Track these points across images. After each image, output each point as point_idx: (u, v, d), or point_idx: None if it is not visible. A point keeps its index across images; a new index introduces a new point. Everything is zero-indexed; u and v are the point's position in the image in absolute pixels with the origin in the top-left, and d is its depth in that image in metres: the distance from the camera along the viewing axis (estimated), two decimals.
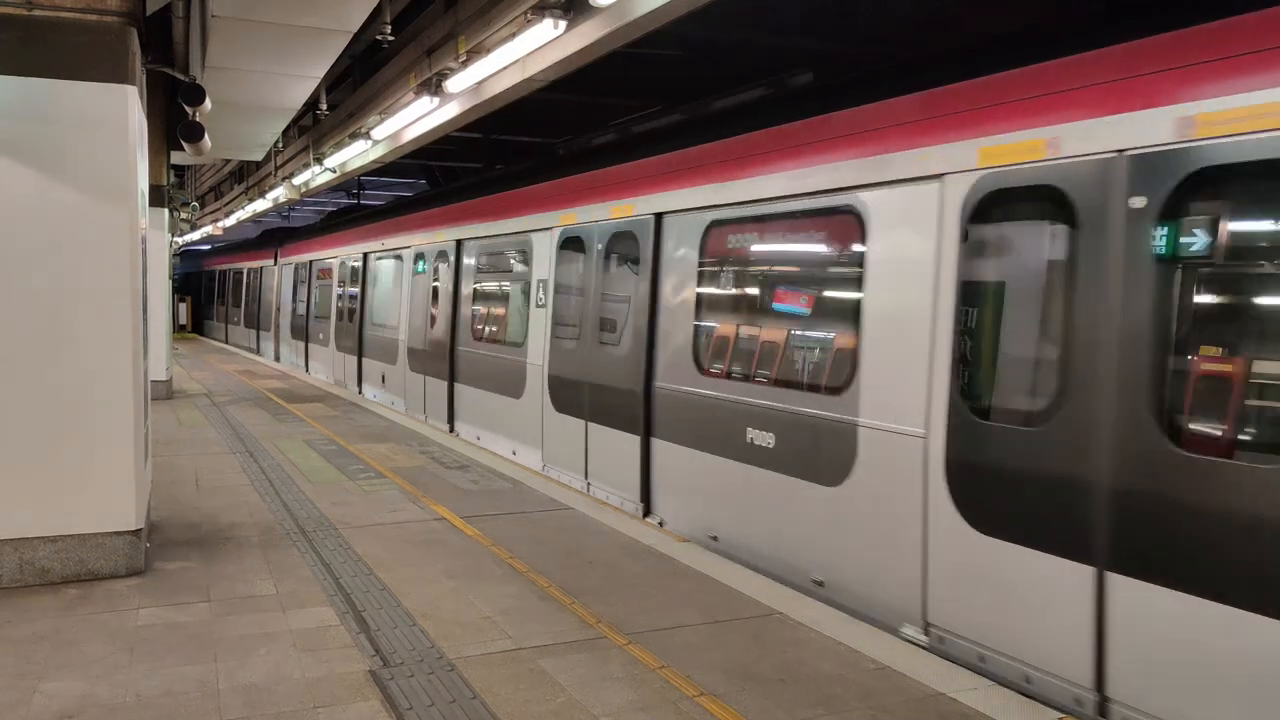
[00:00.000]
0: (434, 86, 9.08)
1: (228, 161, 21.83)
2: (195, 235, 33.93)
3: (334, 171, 15.58)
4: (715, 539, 7.09)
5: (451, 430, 12.47)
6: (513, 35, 7.21)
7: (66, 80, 5.53)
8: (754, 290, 7.10)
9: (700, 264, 7.42)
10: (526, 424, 10.27)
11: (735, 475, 6.82)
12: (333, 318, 19.08)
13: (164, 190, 14.16)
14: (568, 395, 9.33)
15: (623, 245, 8.50)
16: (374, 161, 14.36)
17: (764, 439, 6.49)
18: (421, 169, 21.53)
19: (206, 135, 10.67)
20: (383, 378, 15.77)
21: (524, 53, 7.55)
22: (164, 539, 6.68)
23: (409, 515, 7.51)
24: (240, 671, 4.46)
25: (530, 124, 15.44)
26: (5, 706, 4.06)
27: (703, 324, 7.42)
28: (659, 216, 7.88)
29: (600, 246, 8.84)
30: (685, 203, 7.54)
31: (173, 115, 12.44)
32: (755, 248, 6.94)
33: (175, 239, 20.64)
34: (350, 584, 5.78)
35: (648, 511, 7.97)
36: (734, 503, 6.87)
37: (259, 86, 10.49)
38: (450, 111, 10.17)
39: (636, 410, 8.03)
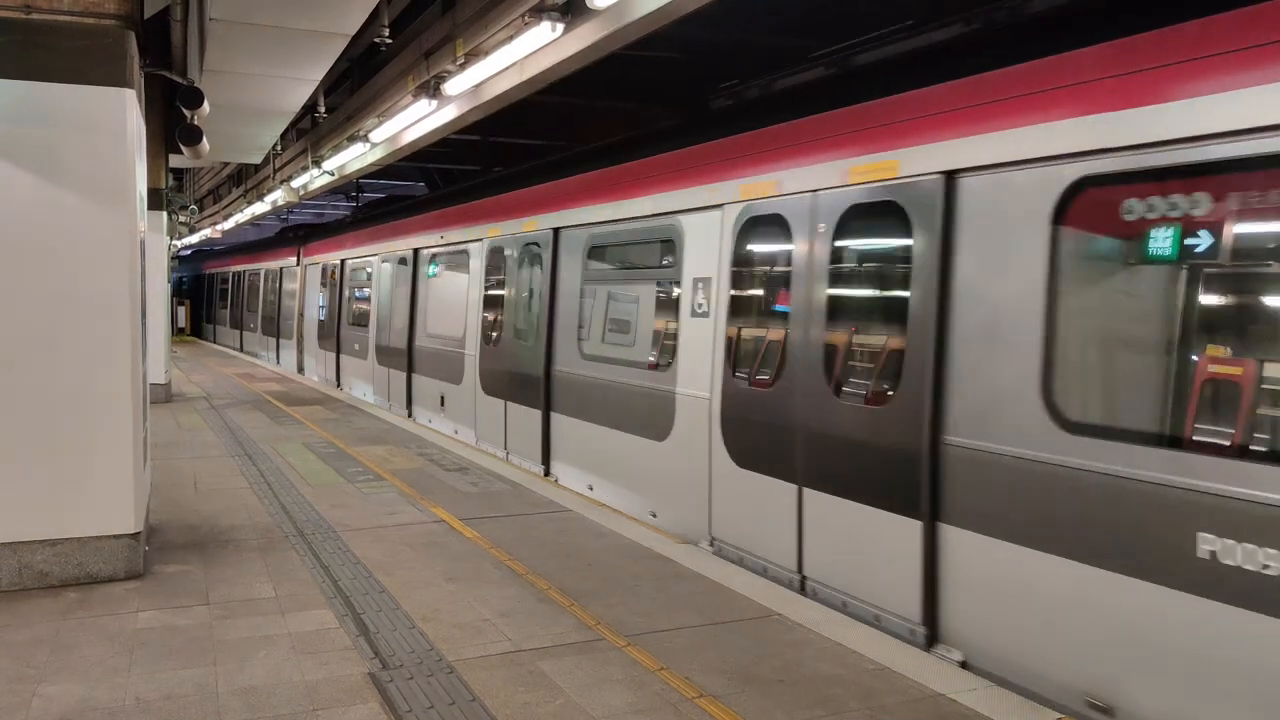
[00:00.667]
0: (432, 89, 9.10)
1: (226, 165, 21.87)
2: (194, 239, 33.95)
3: (332, 174, 15.61)
4: (1105, 710, 4.33)
5: (546, 474, 9.76)
6: (510, 38, 7.24)
7: (64, 84, 5.53)
8: (1201, 294, 4.16)
9: (1055, 248, 4.55)
10: (678, 478, 7.50)
11: (1168, 612, 4.00)
12: (373, 326, 16.13)
13: (162, 193, 14.17)
14: (761, 445, 6.50)
15: (870, 226, 5.78)
16: (372, 164, 14.39)
17: (1246, 557, 3.67)
18: (419, 171, 21.59)
19: (205, 138, 10.68)
20: (441, 400, 13.00)
21: (522, 55, 7.57)
22: (163, 542, 6.68)
23: (408, 518, 7.51)
24: (239, 674, 4.46)
25: (529, 127, 15.46)
26: (5, 710, 4.06)
27: (1077, 347, 4.56)
28: (951, 176, 5.07)
29: (824, 227, 6.01)
30: (1037, 146, 4.63)
31: (171, 118, 12.46)
32: (1176, 219, 4.06)
33: (174, 242, 20.54)
34: (349, 586, 5.78)
35: (933, 638, 5.18)
36: (1170, 661, 4.03)
37: (257, 90, 10.50)
38: (448, 114, 10.19)
39: (909, 479, 5.24)
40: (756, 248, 6.83)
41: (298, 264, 22.24)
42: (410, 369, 14.34)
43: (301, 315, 21.73)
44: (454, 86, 8.82)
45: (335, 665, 4.59)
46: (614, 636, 5.02)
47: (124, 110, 5.66)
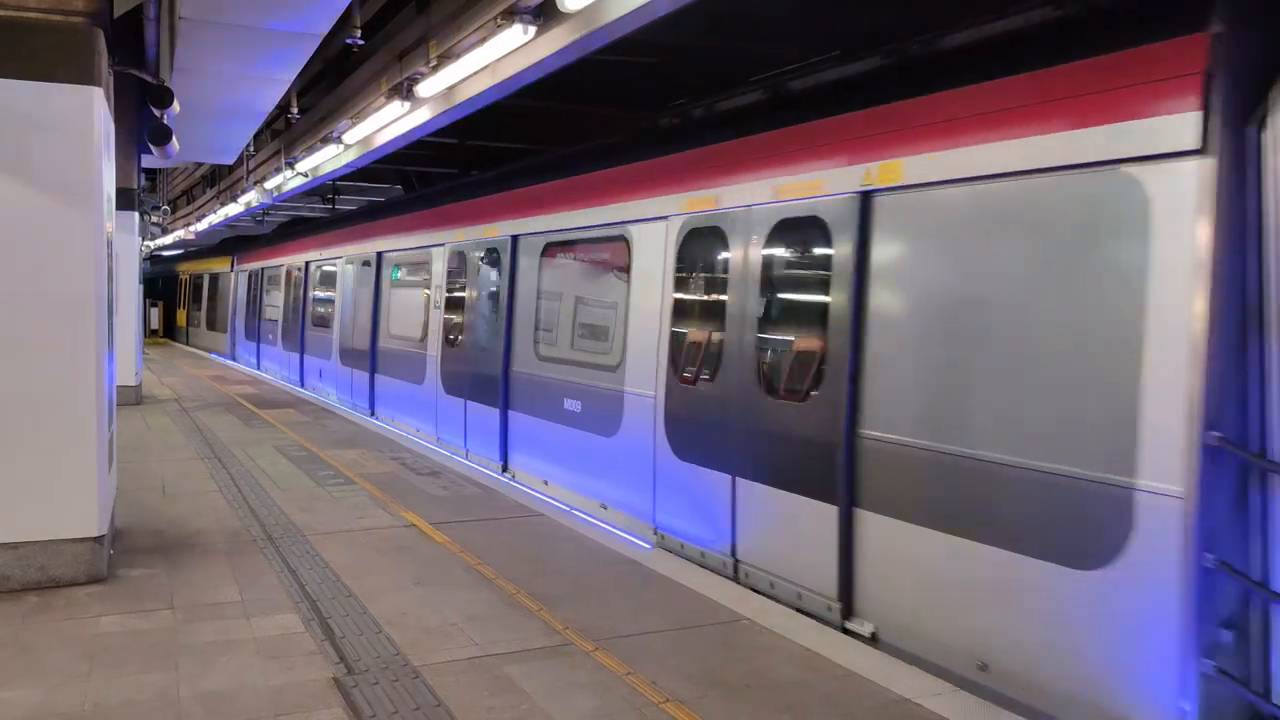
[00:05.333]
0: (405, 91, 9.06)
1: (200, 165, 21.68)
2: (166, 238, 33.56)
3: (305, 175, 15.51)
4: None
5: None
6: (483, 40, 7.22)
7: (30, 81, 5.47)
8: None
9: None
10: None
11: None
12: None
13: (134, 194, 14.03)
14: None
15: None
16: (346, 165, 14.30)
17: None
18: (396, 174, 21.41)
19: (175, 138, 10.59)
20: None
21: (494, 58, 7.55)
22: (128, 546, 6.60)
23: (378, 522, 7.47)
24: (202, 679, 4.41)
25: (505, 130, 15.39)
26: None
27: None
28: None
29: None
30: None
31: (144, 119, 12.33)
32: None
33: (147, 241, 20.13)
34: (316, 591, 5.73)
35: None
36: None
37: (228, 89, 10.41)
38: (421, 116, 10.15)
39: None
40: None
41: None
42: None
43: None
44: (427, 89, 8.78)
45: (300, 670, 4.55)
46: (582, 641, 5.01)
47: (91, 109, 5.60)
